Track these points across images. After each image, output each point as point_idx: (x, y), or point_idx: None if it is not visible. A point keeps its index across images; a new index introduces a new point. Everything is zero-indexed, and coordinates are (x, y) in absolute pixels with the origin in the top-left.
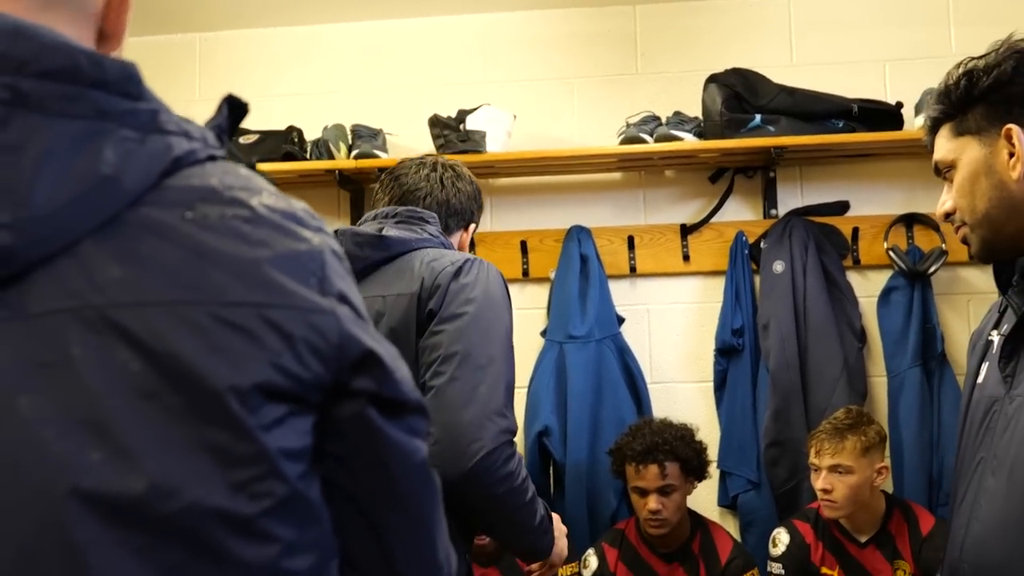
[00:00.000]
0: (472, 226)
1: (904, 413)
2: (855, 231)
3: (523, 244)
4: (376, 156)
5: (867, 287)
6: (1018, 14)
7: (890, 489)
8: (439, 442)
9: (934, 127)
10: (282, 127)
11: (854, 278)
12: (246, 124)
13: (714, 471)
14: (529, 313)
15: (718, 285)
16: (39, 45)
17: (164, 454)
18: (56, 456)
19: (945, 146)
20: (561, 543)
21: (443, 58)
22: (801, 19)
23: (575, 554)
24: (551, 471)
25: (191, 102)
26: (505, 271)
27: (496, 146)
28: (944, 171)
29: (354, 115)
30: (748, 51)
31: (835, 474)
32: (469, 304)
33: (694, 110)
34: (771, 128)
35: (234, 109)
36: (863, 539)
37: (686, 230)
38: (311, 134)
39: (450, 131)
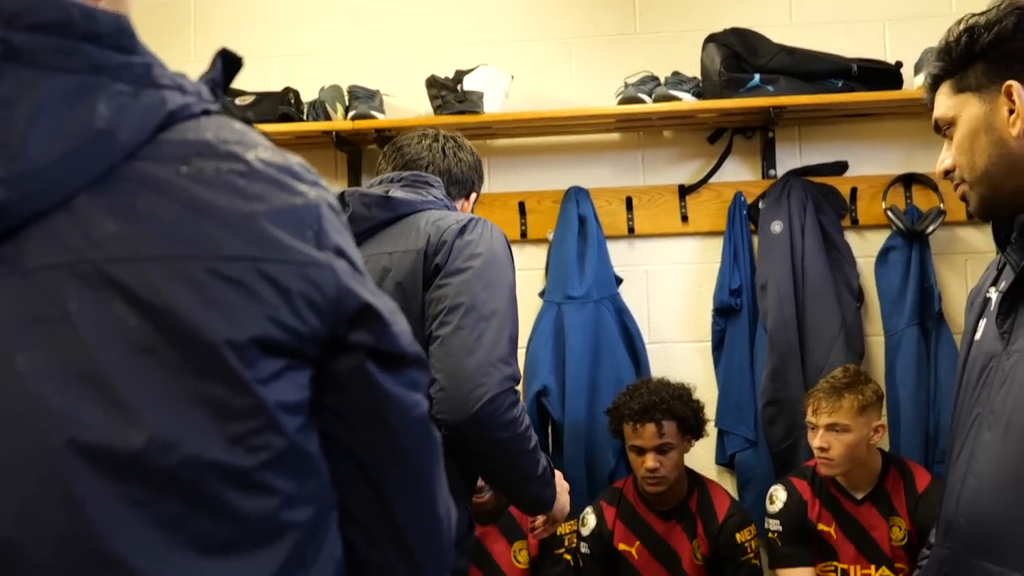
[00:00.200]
0: (473, 195)
1: (901, 372)
2: (853, 191)
3: (521, 205)
4: (373, 117)
5: (865, 247)
6: None
7: (887, 447)
8: (444, 389)
9: (934, 84)
10: (278, 88)
11: (852, 238)
12: (242, 85)
13: (711, 430)
14: (527, 274)
15: (716, 246)
16: None
17: (162, 408)
18: (55, 410)
19: (945, 103)
20: (563, 499)
21: (440, 18)
22: None
23: (574, 512)
24: (550, 431)
25: (186, 63)
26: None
27: (494, 107)
28: (944, 128)
29: (351, 76)
30: (747, 10)
31: (832, 432)
32: (474, 259)
33: (693, 70)
34: (770, 88)
35: (228, 64)
36: (859, 496)
37: (684, 191)
38: (307, 95)
39: (447, 92)
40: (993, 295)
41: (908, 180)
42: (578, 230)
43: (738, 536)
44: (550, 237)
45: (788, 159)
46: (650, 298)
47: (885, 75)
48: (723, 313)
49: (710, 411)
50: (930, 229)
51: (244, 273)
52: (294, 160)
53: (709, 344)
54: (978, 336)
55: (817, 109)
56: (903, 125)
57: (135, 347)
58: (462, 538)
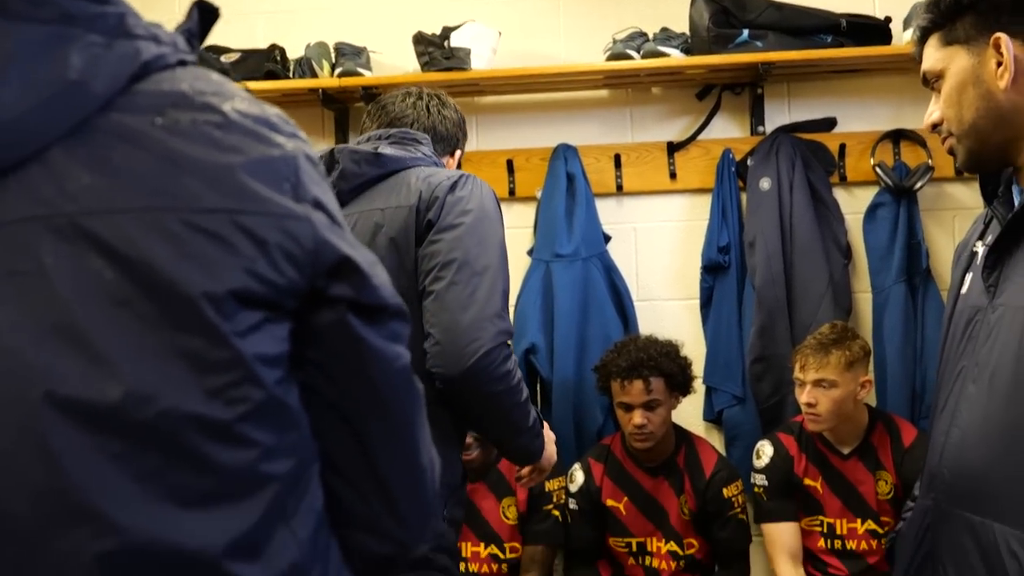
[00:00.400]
0: (458, 152)
1: (888, 328)
2: (842, 147)
3: (509, 163)
4: (360, 74)
5: (853, 203)
6: None
7: (873, 403)
8: (440, 343)
9: (923, 37)
10: (264, 45)
11: (840, 195)
12: (227, 42)
13: (699, 387)
14: (516, 232)
15: (705, 203)
16: None
17: (139, 361)
18: (31, 364)
19: (933, 56)
20: (551, 449)
21: None
22: None
23: (562, 468)
24: (538, 389)
25: (172, 22)
26: None
27: (481, 63)
28: (932, 81)
29: (337, 33)
30: None
31: (819, 388)
32: (465, 215)
33: (681, 26)
34: (758, 44)
35: (205, 14)
36: (846, 451)
37: (673, 148)
38: (294, 53)
39: (434, 48)
40: (980, 249)
41: (896, 136)
42: (566, 188)
43: (725, 491)
44: (538, 195)
45: (777, 115)
46: (638, 255)
47: (874, 30)
48: (711, 270)
49: (698, 368)
50: (918, 185)
51: (221, 225)
52: (272, 111)
53: (697, 301)
54: (964, 290)
55: (806, 65)
56: (892, 81)
57: (111, 300)
58: (456, 488)
